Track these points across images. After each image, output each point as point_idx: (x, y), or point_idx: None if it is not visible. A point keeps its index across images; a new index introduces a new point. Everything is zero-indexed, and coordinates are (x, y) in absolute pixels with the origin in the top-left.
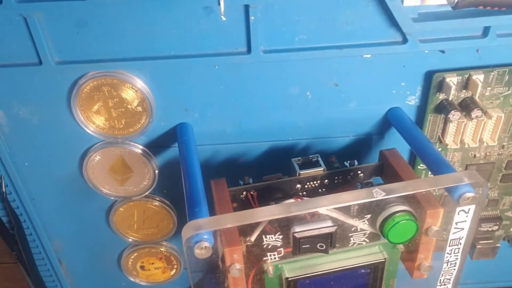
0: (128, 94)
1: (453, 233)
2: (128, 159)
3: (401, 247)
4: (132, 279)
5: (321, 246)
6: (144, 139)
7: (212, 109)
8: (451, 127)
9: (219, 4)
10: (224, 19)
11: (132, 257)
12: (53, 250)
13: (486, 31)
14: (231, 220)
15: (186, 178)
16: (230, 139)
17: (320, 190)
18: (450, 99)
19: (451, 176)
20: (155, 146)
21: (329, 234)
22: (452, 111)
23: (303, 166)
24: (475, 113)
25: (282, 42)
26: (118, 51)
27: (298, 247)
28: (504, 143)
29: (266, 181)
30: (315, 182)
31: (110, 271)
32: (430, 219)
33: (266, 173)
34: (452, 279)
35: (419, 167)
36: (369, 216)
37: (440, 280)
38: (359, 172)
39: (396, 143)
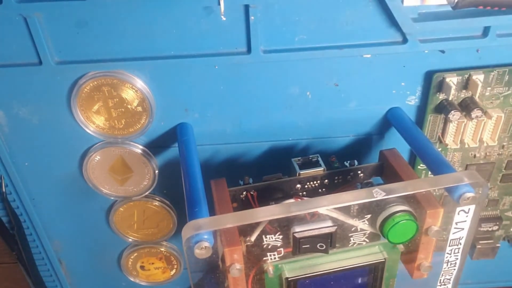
0: (128, 94)
1: (453, 233)
2: (128, 159)
3: (401, 247)
4: (132, 279)
5: (321, 246)
6: (144, 139)
7: (212, 109)
8: (451, 127)
9: (219, 4)
10: (224, 19)
11: (132, 257)
12: (53, 250)
13: (486, 31)
14: (231, 220)
15: (186, 178)
16: (230, 139)
17: (320, 190)
18: (450, 99)
19: (451, 176)
20: (155, 146)
21: (329, 234)
22: (452, 111)
23: (303, 166)
24: (475, 113)
25: (282, 42)
26: (118, 51)
27: (298, 247)
28: (504, 143)
29: (266, 181)
30: (315, 182)
31: (110, 271)
32: (430, 219)
33: (266, 173)
34: (452, 279)
35: (419, 167)
36: (369, 216)
37: (440, 280)
38: (359, 172)
39: (396, 143)
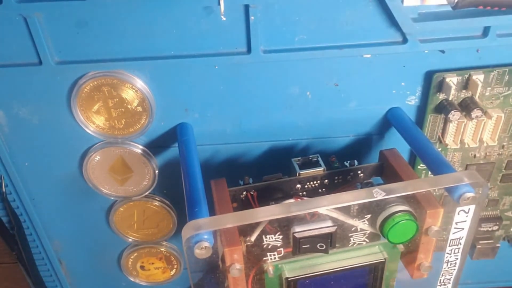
0: (128, 94)
1: (453, 233)
2: (128, 159)
3: (401, 247)
4: (132, 279)
5: (321, 246)
6: (144, 139)
7: (212, 109)
8: (451, 127)
9: (219, 4)
10: (224, 19)
11: (132, 257)
12: (53, 250)
13: (486, 31)
14: (231, 220)
15: (186, 178)
16: (230, 139)
17: (320, 190)
18: (450, 99)
19: (451, 176)
20: (155, 146)
21: (329, 234)
22: (452, 111)
23: (303, 166)
24: (475, 113)
25: (282, 42)
26: (118, 51)
27: (298, 247)
28: (504, 143)
29: (266, 181)
30: (315, 182)
31: (110, 271)
32: (430, 219)
33: (266, 173)
34: (452, 279)
35: (419, 167)
36: (369, 216)
37: (440, 280)
38: (359, 172)
39: (396, 143)
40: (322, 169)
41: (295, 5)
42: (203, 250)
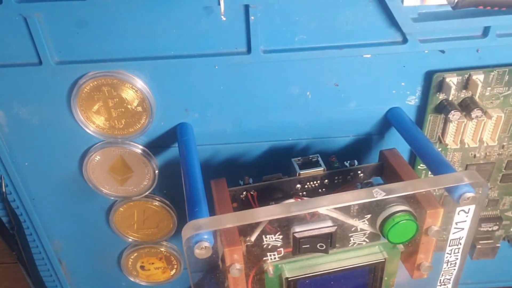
0: (128, 94)
1: (453, 233)
2: (128, 159)
3: (401, 247)
4: (132, 279)
5: (321, 246)
6: (144, 139)
7: (212, 109)
8: (451, 127)
9: (219, 4)
10: (224, 19)
11: (132, 257)
12: (53, 250)
13: (486, 31)
14: (231, 220)
15: (186, 178)
16: (230, 139)
17: (320, 190)
18: (450, 99)
19: (451, 176)
20: (155, 146)
21: (329, 234)
22: (452, 111)
23: (303, 166)
24: (475, 113)
25: (282, 42)
26: (118, 51)
27: (298, 247)
28: (504, 143)
29: (266, 181)
30: (315, 182)
31: (110, 271)
32: (430, 219)
33: (266, 173)
34: (452, 279)
35: (419, 167)
36: (369, 216)
37: (440, 280)
38: (359, 172)
39: (396, 143)
40: (322, 169)
41: (295, 5)
42: (203, 250)
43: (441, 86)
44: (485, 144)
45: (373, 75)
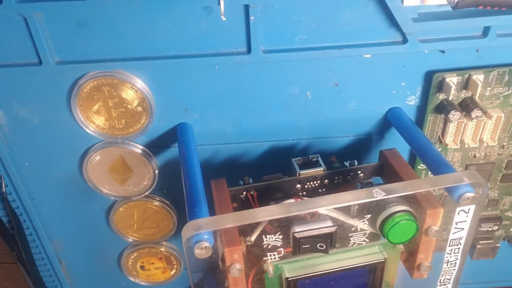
0: (128, 94)
1: (453, 233)
2: (128, 159)
3: (401, 247)
4: (132, 279)
5: (321, 246)
6: (144, 139)
7: (212, 109)
8: (451, 127)
9: (219, 4)
10: (224, 19)
11: (132, 257)
12: (53, 250)
13: (486, 31)
14: (231, 220)
15: (186, 178)
16: (230, 139)
17: (320, 190)
18: (450, 99)
19: (451, 176)
20: (155, 146)
21: (329, 234)
22: (452, 111)
23: (303, 166)
24: (475, 113)
25: (282, 42)
26: (118, 51)
27: (298, 247)
28: (504, 143)
29: (266, 181)
30: (315, 182)
31: (110, 271)
32: (430, 219)
33: (266, 173)
34: (452, 279)
35: (419, 167)
36: (369, 216)
37: (440, 280)
38: (359, 172)
39: (396, 143)
40: (322, 169)
41: (295, 5)
42: (203, 250)
43: (441, 86)
44: (485, 144)
45: (373, 75)
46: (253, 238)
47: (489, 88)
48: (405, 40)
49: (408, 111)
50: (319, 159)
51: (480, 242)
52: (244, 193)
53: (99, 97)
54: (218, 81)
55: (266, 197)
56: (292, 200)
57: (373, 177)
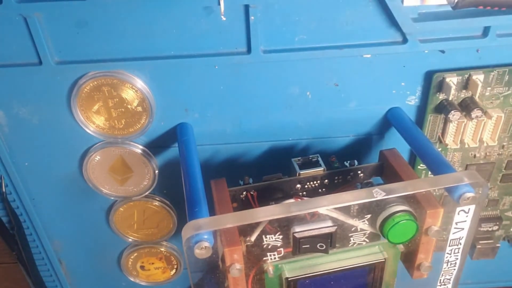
0: (128, 94)
1: (453, 233)
2: (128, 159)
3: (401, 247)
4: (132, 279)
5: (321, 246)
6: (144, 139)
7: (212, 109)
8: (451, 127)
9: (219, 4)
10: (224, 19)
11: (132, 257)
12: (53, 250)
13: (486, 31)
14: (231, 220)
15: (186, 178)
16: (230, 139)
17: (320, 190)
18: (450, 99)
19: (451, 176)
20: (155, 146)
21: (329, 234)
22: (452, 111)
23: (303, 166)
24: (475, 113)
25: (282, 42)
26: (118, 51)
27: (298, 247)
28: (504, 143)
29: (266, 181)
30: (315, 182)
31: (110, 271)
32: (430, 219)
33: (266, 173)
34: (452, 279)
35: (419, 167)
36: (369, 216)
37: (440, 280)
38: (359, 172)
39: (396, 143)
40: (322, 169)
41: (295, 5)
42: (203, 250)
43: (441, 86)
44: (485, 144)
45: (373, 75)
46: (253, 238)
47: (489, 88)
48: (405, 40)
49: (408, 111)
50: (319, 159)
51: (480, 242)
52: (244, 193)
53: (99, 97)
54: (218, 81)
55: (266, 197)
56: (292, 200)
57: (373, 177)
